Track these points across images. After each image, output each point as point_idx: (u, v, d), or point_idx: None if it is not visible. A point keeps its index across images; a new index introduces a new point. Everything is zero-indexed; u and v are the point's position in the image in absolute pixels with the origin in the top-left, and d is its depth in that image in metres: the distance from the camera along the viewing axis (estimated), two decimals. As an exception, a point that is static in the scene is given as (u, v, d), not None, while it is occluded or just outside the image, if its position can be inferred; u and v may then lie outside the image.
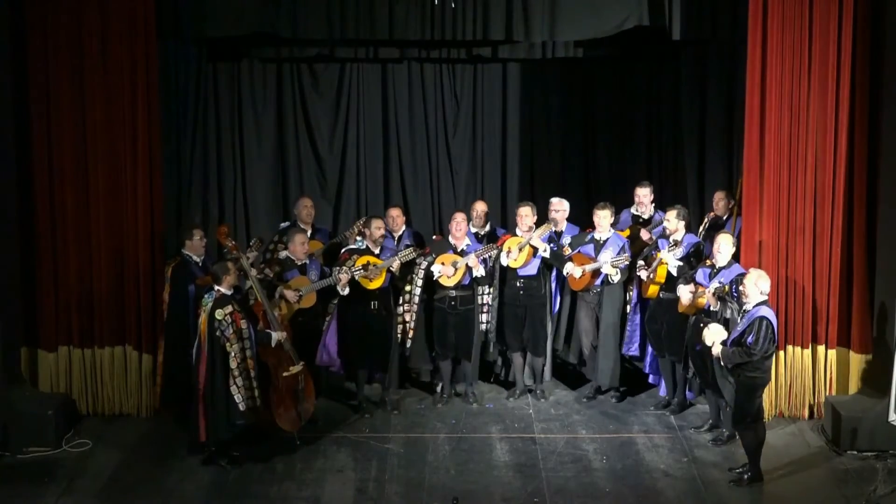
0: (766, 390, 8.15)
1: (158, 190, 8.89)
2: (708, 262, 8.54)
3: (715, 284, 8.23)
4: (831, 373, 8.87)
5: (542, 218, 9.43)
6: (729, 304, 8.08)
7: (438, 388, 9.45)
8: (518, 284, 9.23)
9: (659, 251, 8.89)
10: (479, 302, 9.27)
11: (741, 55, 8.83)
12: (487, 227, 9.73)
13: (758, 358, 7.59)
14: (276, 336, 8.18)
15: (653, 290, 8.93)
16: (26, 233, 8.79)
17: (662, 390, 9.28)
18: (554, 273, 9.42)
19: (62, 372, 8.94)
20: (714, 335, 7.82)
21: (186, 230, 9.12)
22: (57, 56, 8.60)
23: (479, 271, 9.04)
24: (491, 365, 9.82)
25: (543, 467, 8.11)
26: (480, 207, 9.69)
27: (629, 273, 9.13)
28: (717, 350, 7.79)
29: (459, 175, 11.05)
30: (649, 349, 9.25)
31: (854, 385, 8.85)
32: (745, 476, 7.84)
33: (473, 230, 9.50)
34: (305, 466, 8.12)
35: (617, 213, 9.49)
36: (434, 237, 9.87)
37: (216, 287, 8.00)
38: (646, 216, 9.70)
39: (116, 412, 8.99)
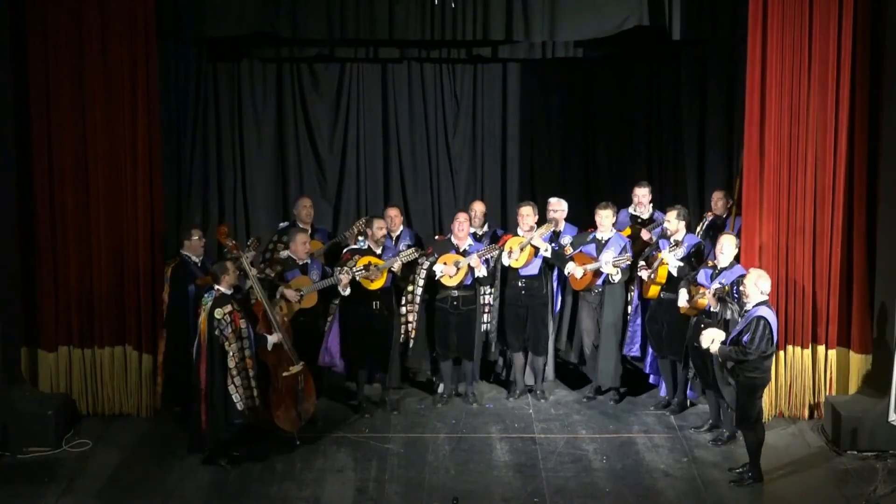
0: (766, 390, 8.15)
1: (158, 190, 8.89)
2: (710, 262, 8.54)
3: (715, 285, 8.23)
4: (831, 373, 8.87)
5: (543, 218, 9.43)
6: (729, 305, 8.07)
7: (439, 389, 9.45)
8: (520, 284, 9.23)
9: (660, 251, 8.89)
10: (481, 302, 9.27)
11: (741, 55, 8.83)
12: (486, 227, 9.73)
13: (754, 357, 7.58)
14: (272, 339, 8.18)
15: (653, 291, 8.92)
16: (26, 233, 8.79)
17: (663, 391, 9.27)
18: (555, 273, 9.42)
19: (62, 372, 8.94)
20: (711, 337, 7.81)
21: (185, 230, 9.13)
22: (57, 56, 8.60)
23: (481, 271, 9.04)
24: (492, 365, 9.82)
25: (543, 467, 8.11)
26: (479, 207, 9.69)
27: (630, 273, 9.14)
28: (714, 349, 7.80)
29: (459, 175, 11.06)
30: (650, 350, 9.24)
31: (854, 385, 8.84)
32: (746, 476, 7.84)
33: (472, 230, 9.49)
34: (305, 466, 8.12)
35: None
36: (437, 237, 9.87)
37: (216, 286, 8.00)
38: (644, 216, 9.71)
39: (116, 412, 8.99)
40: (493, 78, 10.93)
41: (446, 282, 9.06)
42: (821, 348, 8.85)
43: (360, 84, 10.83)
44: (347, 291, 8.79)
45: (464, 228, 9.15)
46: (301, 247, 8.92)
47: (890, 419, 8.00)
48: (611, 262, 8.95)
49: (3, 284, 8.58)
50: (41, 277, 8.83)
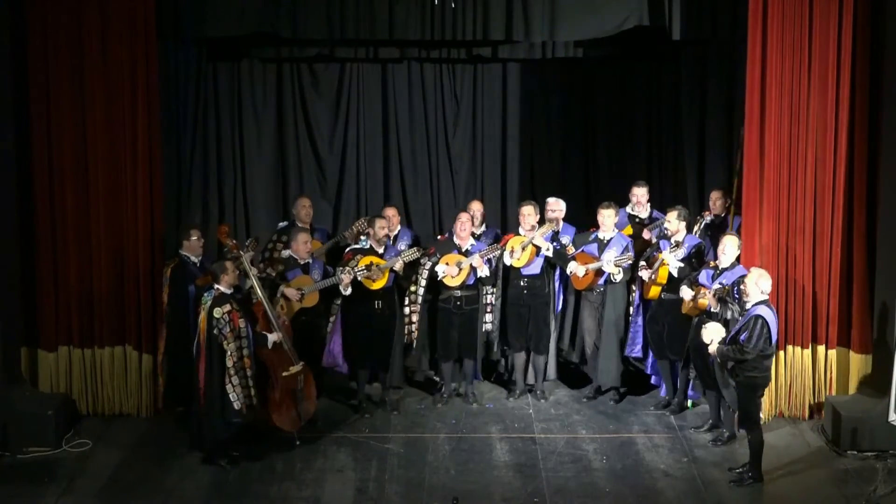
0: (766, 390, 8.14)
1: (158, 190, 8.89)
2: (712, 263, 8.54)
3: (716, 286, 8.23)
4: (831, 373, 8.87)
5: (543, 218, 9.43)
6: (730, 305, 8.07)
7: (442, 389, 9.44)
8: (522, 284, 9.23)
9: (660, 252, 8.89)
10: (484, 302, 9.27)
11: (741, 55, 8.83)
12: (484, 227, 9.73)
13: (752, 356, 7.58)
14: (273, 337, 8.18)
15: (654, 292, 8.92)
16: (26, 233, 8.79)
17: (664, 391, 9.27)
18: (557, 272, 9.42)
19: (62, 372, 8.94)
20: (712, 333, 7.82)
21: (184, 230, 9.13)
22: (57, 56, 8.60)
23: (483, 271, 9.03)
24: (494, 364, 9.82)
25: (543, 467, 8.11)
26: (476, 207, 9.68)
27: (631, 273, 9.13)
28: (713, 348, 7.80)
29: (459, 175, 11.06)
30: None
31: (854, 385, 8.84)
32: (746, 476, 7.83)
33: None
34: (305, 466, 8.12)
35: (613, 213, 9.50)
36: (439, 237, 9.87)
37: (215, 286, 8.00)
38: (642, 215, 9.70)
39: (116, 412, 8.99)
40: (493, 78, 10.92)
41: (448, 282, 9.05)
42: (821, 348, 8.85)
43: (360, 84, 10.83)
44: (349, 291, 8.79)
45: (466, 228, 9.15)
46: (302, 246, 8.91)
47: (890, 419, 8.00)
48: (613, 262, 8.94)
49: (3, 284, 8.58)
50: (41, 277, 8.83)
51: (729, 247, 8.37)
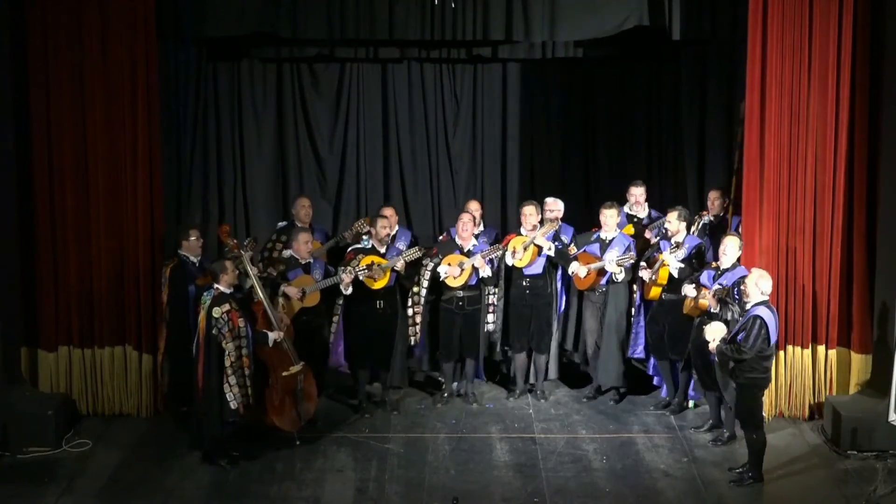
0: (766, 390, 8.14)
1: (158, 190, 8.89)
2: (713, 264, 8.53)
3: (716, 286, 8.23)
4: (831, 373, 8.87)
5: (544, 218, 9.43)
6: (730, 306, 8.07)
7: (444, 388, 9.43)
8: (524, 284, 9.22)
9: (661, 252, 8.88)
10: (486, 302, 9.26)
11: (741, 55, 8.83)
12: (482, 227, 9.72)
13: (750, 356, 7.58)
14: (273, 336, 8.18)
15: (655, 292, 8.92)
16: (26, 233, 8.79)
17: (665, 392, 9.27)
18: (559, 272, 9.41)
19: (62, 372, 8.94)
20: (714, 332, 7.82)
21: (183, 230, 9.12)
22: (57, 56, 8.60)
23: (485, 272, 9.03)
24: (497, 364, 9.81)
25: (543, 467, 8.11)
26: (474, 207, 9.67)
27: (633, 273, 9.13)
28: (712, 347, 7.80)
29: (459, 175, 11.05)
30: (652, 351, 9.25)
31: (854, 385, 8.84)
32: (746, 476, 7.83)
33: (469, 230, 9.50)
34: (305, 466, 8.12)
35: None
36: (440, 237, 9.86)
37: (215, 285, 8.01)
38: (641, 215, 9.70)
39: (116, 412, 8.99)
40: (493, 78, 10.92)
41: (451, 283, 9.05)
42: (821, 348, 8.85)
43: (360, 84, 10.82)
44: (350, 290, 8.79)
45: (468, 229, 9.14)
46: (303, 246, 8.90)
47: (890, 419, 8.00)
48: (615, 262, 8.94)
49: (3, 284, 8.58)
50: (41, 277, 8.83)
51: (730, 247, 8.37)
